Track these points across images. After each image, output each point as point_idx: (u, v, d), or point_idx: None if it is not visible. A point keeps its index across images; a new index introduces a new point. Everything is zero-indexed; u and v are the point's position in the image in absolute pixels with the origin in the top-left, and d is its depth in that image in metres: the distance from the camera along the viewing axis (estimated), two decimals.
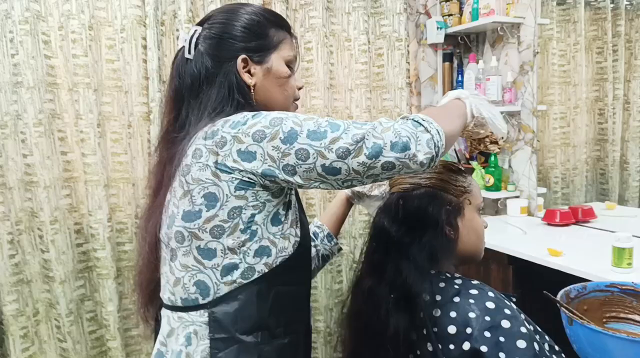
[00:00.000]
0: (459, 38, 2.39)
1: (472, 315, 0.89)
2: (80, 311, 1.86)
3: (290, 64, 0.95)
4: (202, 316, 0.85)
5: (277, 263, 0.86)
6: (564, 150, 2.35)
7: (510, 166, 2.30)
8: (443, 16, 2.36)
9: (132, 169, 1.91)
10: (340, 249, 1.23)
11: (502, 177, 2.28)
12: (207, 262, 0.84)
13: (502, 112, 2.23)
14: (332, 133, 0.77)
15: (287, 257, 0.87)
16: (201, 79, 0.91)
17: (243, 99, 0.90)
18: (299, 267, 0.93)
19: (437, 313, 0.92)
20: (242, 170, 0.80)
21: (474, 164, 2.36)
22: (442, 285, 0.95)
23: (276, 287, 0.87)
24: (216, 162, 0.81)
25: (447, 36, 2.34)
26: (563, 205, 2.32)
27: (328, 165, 0.78)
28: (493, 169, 2.26)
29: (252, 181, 0.81)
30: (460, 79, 2.35)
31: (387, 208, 1.02)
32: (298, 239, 0.89)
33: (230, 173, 0.80)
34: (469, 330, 0.88)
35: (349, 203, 1.22)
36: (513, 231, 2.00)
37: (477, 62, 2.26)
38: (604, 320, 0.81)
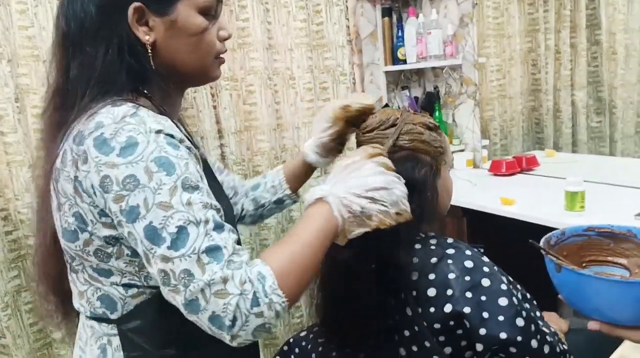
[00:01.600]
0: None
1: (451, 276, 0.86)
2: (17, 303, 1.70)
3: (207, 12, 0.76)
4: (112, 329, 0.77)
5: None
6: (501, 102, 2.39)
7: (454, 120, 2.31)
8: None
9: None
10: (294, 201, 1.15)
11: (447, 132, 2.30)
12: (105, 279, 0.75)
13: (445, 67, 2.22)
14: (169, 249, 0.63)
15: None
16: (84, 29, 0.72)
17: (137, 64, 0.73)
18: None
19: (415, 276, 0.89)
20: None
21: None
22: (417, 246, 0.92)
23: None
24: (76, 178, 0.68)
25: None
26: (502, 155, 2.38)
27: (149, 271, 0.66)
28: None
29: None
30: (400, 34, 2.31)
31: None
32: None
33: (90, 196, 0.68)
34: (449, 292, 0.85)
35: (311, 169, 1.13)
36: (462, 184, 2.02)
37: (417, 16, 2.22)
38: (584, 264, 0.81)
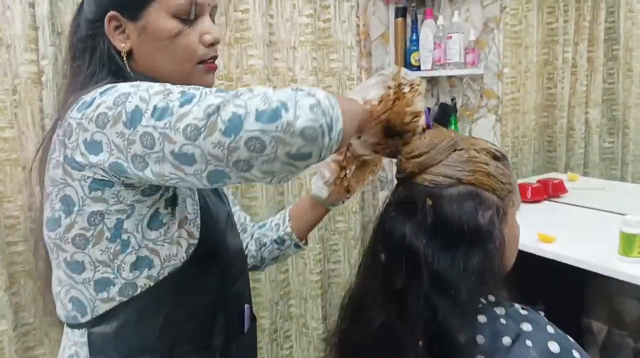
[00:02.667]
0: None
1: None
2: None
3: (180, 15, 0.74)
4: (82, 336, 0.76)
5: (166, 274, 0.73)
6: (514, 117, 2.24)
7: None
8: None
9: (20, 148, 1.46)
10: (297, 246, 1.02)
11: None
12: (77, 276, 0.73)
13: (464, 76, 2.02)
14: (181, 107, 0.60)
15: (178, 265, 0.74)
16: (78, 42, 0.78)
17: (120, 71, 0.76)
18: (202, 273, 0.78)
19: None
20: (91, 166, 0.67)
21: None
22: (482, 319, 0.69)
23: (169, 301, 0.75)
24: (65, 157, 0.69)
25: None
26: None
27: (177, 151, 0.59)
28: None
29: (107, 179, 0.68)
30: (415, 37, 2.09)
31: (406, 208, 0.72)
32: (195, 241, 0.76)
33: (81, 170, 0.68)
34: None
35: (319, 206, 0.98)
36: None
37: (435, 19, 2.00)
38: None
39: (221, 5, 1.72)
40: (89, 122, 0.65)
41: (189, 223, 0.76)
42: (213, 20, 0.81)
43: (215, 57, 0.80)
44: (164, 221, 0.73)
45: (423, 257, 0.68)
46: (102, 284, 0.73)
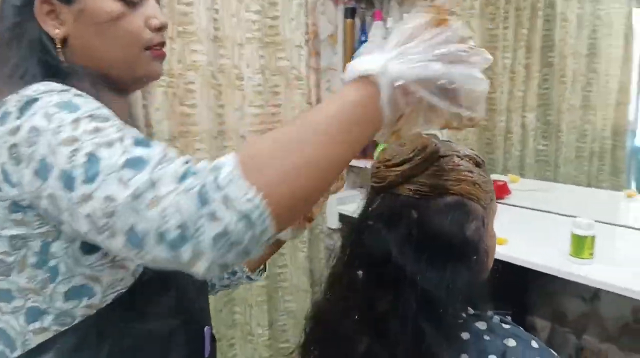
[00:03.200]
0: None
1: None
2: None
3: None
4: None
5: (109, 301, 0.64)
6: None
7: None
8: None
9: None
10: (251, 279, 1.00)
11: None
12: (5, 305, 0.63)
13: None
14: (85, 183, 0.50)
15: (123, 290, 0.65)
16: (3, 29, 0.68)
17: (52, 60, 0.66)
18: (153, 295, 0.69)
19: None
20: (6, 192, 0.58)
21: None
22: (465, 335, 0.65)
23: (114, 329, 0.65)
24: None
25: None
26: None
27: (83, 233, 0.52)
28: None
29: (27, 203, 0.58)
30: (364, 38, 2.07)
31: (388, 220, 0.67)
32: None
33: None
34: None
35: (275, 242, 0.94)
36: None
37: (384, 21, 1.99)
38: None
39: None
40: (4, 147, 0.56)
41: None
42: (158, 3, 0.73)
43: (162, 44, 0.72)
44: None
45: (410, 274, 0.63)
46: (35, 314, 0.63)
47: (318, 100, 2.15)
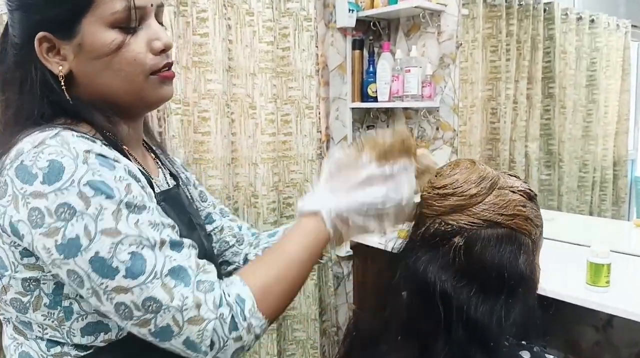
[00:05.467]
0: (371, 24, 2.14)
1: None
2: None
3: (120, 24, 0.64)
4: None
5: (125, 334, 0.64)
6: (461, 149, 2.30)
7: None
8: None
9: None
10: None
11: None
12: (29, 332, 0.65)
13: (421, 108, 2.05)
14: (125, 278, 0.57)
15: None
16: (5, 72, 0.67)
17: (56, 97, 0.65)
18: None
19: None
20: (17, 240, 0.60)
21: None
22: None
23: (140, 349, 0.64)
24: None
25: (357, 21, 2.07)
26: None
27: (103, 311, 0.60)
28: None
29: None
30: (371, 69, 2.11)
31: (436, 247, 0.67)
32: None
33: (10, 236, 0.59)
34: None
35: None
36: None
37: (392, 52, 2.04)
38: None
39: (179, 27, 1.66)
40: (23, 204, 0.57)
41: None
42: (160, 22, 0.70)
43: (169, 64, 0.69)
44: None
45: (456, 302, 0.63)
46: (55, 343, 0.65)
47: (327, 129, 2.18)
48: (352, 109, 2.16)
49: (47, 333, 0.64)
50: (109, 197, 0.58)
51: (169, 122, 1.65)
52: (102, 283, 0.57)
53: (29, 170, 0.57)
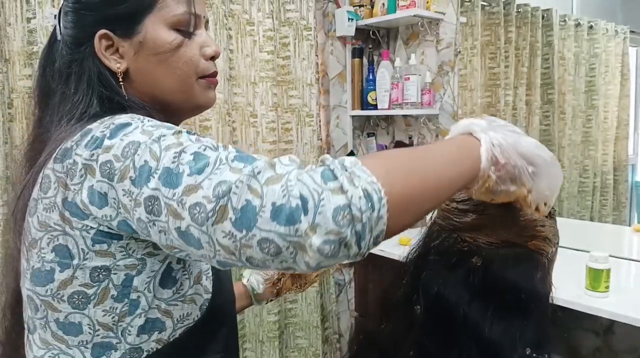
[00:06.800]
0: (371, 32, 2.16)
1: None
2: None
3: (180, 26, 0.69)
4: None
5: (177, 335, 0.65)
6: None
7: None
8: (353, 6, 2.11)
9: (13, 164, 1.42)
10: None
11: None
12: (72, 338, 0.63)
13: (421, 116, 2.06)
14: (190, 176, 0.51)
15: (191, 325, 0.66)
16: (59, 70, 0.69)
17: (112, 95, 0.68)
18: (214, 332, 0.70)
19: None
20: (95, 217, 0.58)
21: None
22: None
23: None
24: (65, 200, 0.59)
25: (356, 30, 2.10)
26: None
27: (184, 230, 0.51)
28: None
29: (114, 232, 0.59)
30: (371, 77, 2.13)
31: (451, 262, 0.66)
32: (209, 296, 0.68)
33: (83, 218, 0.59)
34: None
35: (247, 297, 0.99)
36: None
37: (391, 60, 2.05)
38: None
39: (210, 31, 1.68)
40: (97, 167, 0.57)
41: (204, 277, 0.68)
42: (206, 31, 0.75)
43: (216, 73, 0.74)
44: (177, 277, 0.64)
45: (472, 321, 0.63)
46: (103, 348, 0.63)
47: (327, 136, 2.19)
48: (352, 116, 2.18)
49: (97, 335, 0.63)
50: (170, 128, 0.58)
51: None
52: (173, 194, 0.51)
53: (96, 136, 0.58)
